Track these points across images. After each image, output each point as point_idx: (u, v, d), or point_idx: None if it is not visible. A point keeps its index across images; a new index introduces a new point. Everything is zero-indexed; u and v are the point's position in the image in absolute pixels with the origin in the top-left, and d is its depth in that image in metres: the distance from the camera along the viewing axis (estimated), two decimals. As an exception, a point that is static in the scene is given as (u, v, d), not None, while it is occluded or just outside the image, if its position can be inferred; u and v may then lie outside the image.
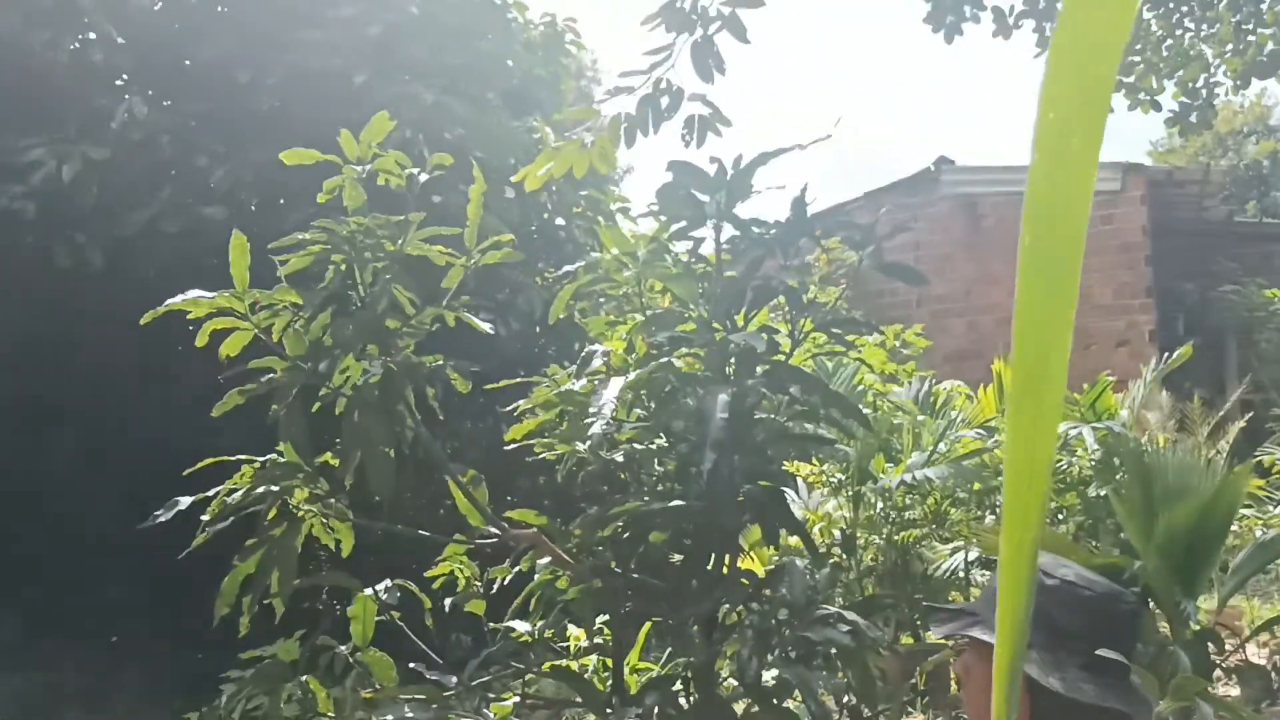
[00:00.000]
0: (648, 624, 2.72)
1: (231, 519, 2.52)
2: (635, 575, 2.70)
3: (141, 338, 7.10)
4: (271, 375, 2.41)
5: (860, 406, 6.09)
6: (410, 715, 2.13)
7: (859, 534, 6.13)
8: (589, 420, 2.34)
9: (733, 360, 2.61)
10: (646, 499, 2.80)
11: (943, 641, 6.18)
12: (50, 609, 8.38)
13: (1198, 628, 3.59)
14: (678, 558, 2.79)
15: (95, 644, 8.42)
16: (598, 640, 3.57)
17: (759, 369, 2.66)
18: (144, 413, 7.61)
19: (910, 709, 5.62)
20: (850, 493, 6.09)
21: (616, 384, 2.35)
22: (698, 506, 2.61)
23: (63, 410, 8.14)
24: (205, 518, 2.46)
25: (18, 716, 7.93)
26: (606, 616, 3.11)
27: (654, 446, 2.77)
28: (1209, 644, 3.62)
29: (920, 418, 6.53)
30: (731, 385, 2.52)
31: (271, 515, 2.56)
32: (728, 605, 2.67)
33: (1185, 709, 1.35)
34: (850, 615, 2.44)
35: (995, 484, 6.36)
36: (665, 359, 2.49)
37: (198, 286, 2.39)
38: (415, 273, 2.65)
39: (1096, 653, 1.46)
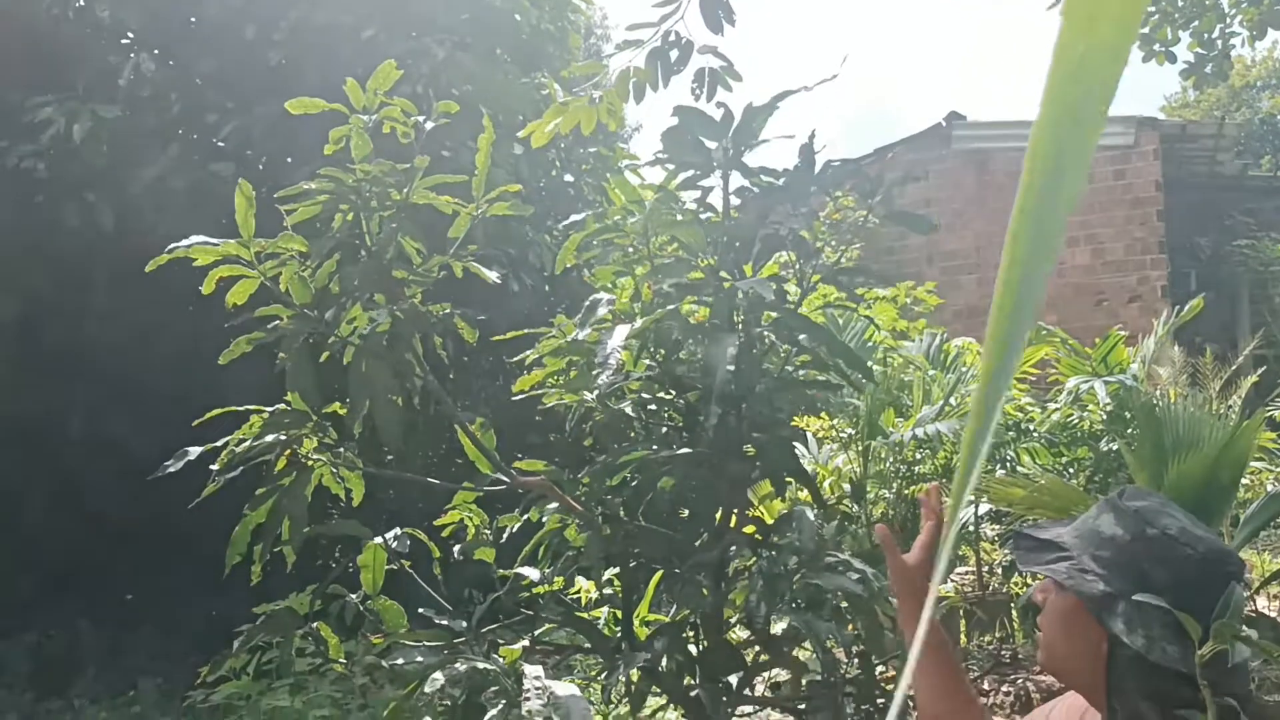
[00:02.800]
0: (657, 576, 2.72)
1: (241, 469, 2.53)
2: (644, 524, 2.71)
3: (152, 294, 7.12)
4: (278, 323, 2.41)
5: (870, 361, 6.11)
6: (421, 659, 2.15)
7: (868, 488, 6.14)
8: (596, 369, 2.34)
9: (740, 309, 2.60)
10: (655, 448, 2.81)
11: (954, 601, 6.21)
12: (65, 567, 8.46)
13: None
14: (686, 513, 2.80)
15: (110, 601, 8.50)
16: (607, 592, 3.60)
17: (767, 318, 2.65)
18: (155, 368, 7.63)
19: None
20: (860, 447, 6.09)
21: (622, 332, 2.34)
22: (705, 455, 2.61)
23: (73, 368, 8.17)
24: (215, 467, 2.47)
25: (35, 671, 8.03)
26: (616, 569, 3.13)
27: (662, 396, 2.77)
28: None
29: (931, 373, 6.52)
30: (739, 334, 2.51)
31: (281, 465, 2.57)
32: (736, 555, 2.68)
33: (1222, 652, 1.33)
34: (859, 563, 2.45)
35: (1007, 438, 6.36)
36: (672, 306, 2.48)
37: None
38: (423, 223, 2.64)
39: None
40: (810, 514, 2.55)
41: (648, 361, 2.91)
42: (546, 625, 2.69)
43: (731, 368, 2.33)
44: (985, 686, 5.24)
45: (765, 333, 2.67)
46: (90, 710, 7.34)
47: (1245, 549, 6.78)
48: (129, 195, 7.11)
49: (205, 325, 4.83)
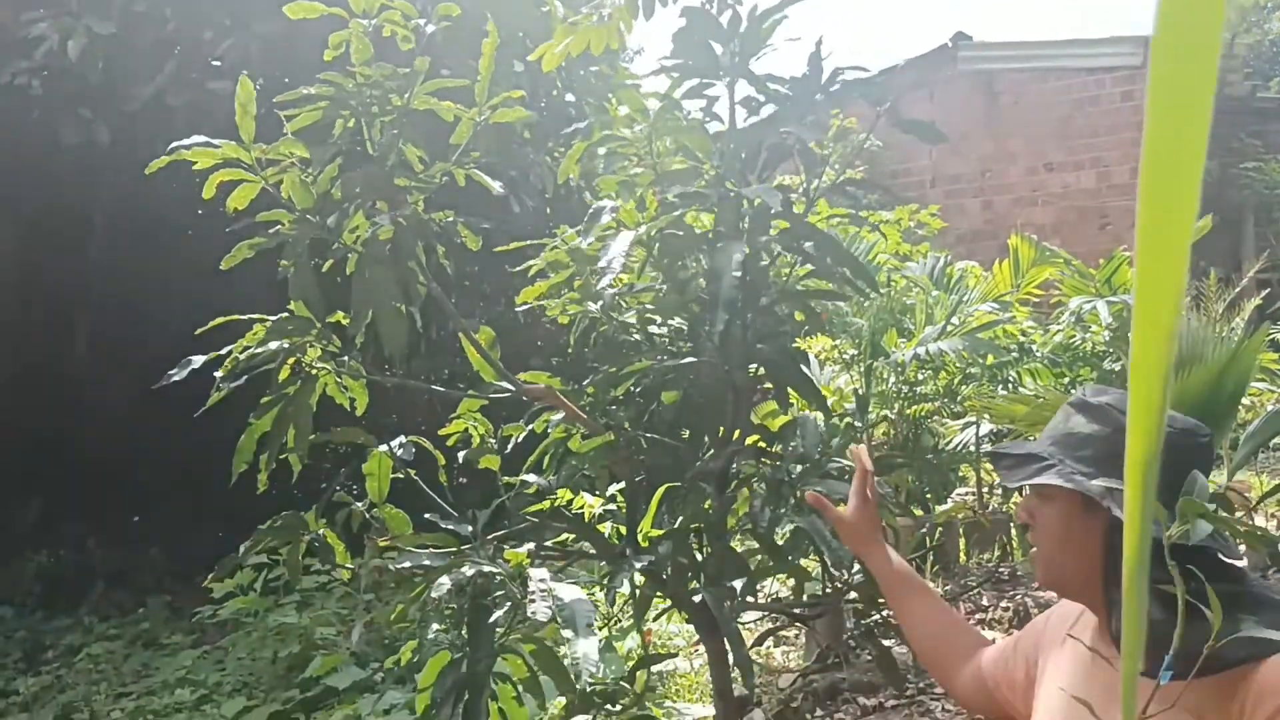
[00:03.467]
0: (660, 491, 2.73)
1: (246, 378, 2.53)
2: (648, 436, 2.72)
3: (151, 209, 7.08)
4: (279, 228, 2.39)
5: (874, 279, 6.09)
6: (427, 563, 2.17)
7: (871, 408, 6.16)
8: (599, 276, 2.32)
9: (746, 218, 2.58)
10: (660, 358, 2.81)
11: (951, 512, 6.26)
12: (71, 490, 8.53)
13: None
14: (687, 434, 2.80)
15: (117, 523, 8.58)
16: (610, 508, 3.62)
17: (773, 228, 2.63)
18: (155, 282, 7.62)
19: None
20: (862, 367, 6.10)
21: (626, 238, 2.33)
22: (710, 365, 2.61)
23: (74, 285, 8.16)
24: (219, 374, 2.47)
25: (45, 591, 8.14)
26: (620, 485, 3.14)
27: (667, 306, 2.76)
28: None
29: (934, 294, 6.51)
30: (745, 243, 2.49)
31: (285, 374, 2.57)
32: (740, 468, 2.69)
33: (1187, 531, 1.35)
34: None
35: (1009, 359, 6.37)
36: (678, 213, 2.46)
37: (205, 160, 2.35)
38: (425, 131, 2.61)
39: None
40: (814, 421, 2.56)
41: (652, 274, 2.90)
42: (552, 534, 2.71)
43: (738, 274, 2.32)
44: (985, 602, 5.31)
45: (771, 243, 2.65)
46: (100, 627, 7.46)
47: (1243, 471, 6.82)
48: (126, 112, 7.03)
49: (206, 239, 4.81)
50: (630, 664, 3.97)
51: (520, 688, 2.47)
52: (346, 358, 2.60)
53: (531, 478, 2.69)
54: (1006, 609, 5.11)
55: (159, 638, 7.11)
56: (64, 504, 8.56)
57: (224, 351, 2.51)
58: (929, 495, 6.69)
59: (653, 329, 2.95)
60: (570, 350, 2.76)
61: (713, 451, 2.67)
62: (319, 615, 5.98)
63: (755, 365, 2.70)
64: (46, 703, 6.27)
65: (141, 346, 7.39)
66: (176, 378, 2.50)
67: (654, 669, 4.50)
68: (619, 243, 2.30)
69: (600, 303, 2.77)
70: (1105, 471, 1.50)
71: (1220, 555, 1.41)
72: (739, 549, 2.78)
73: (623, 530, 2.86)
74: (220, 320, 2.58)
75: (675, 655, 4.21)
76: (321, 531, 2.53)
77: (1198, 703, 1.35)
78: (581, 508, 3.86)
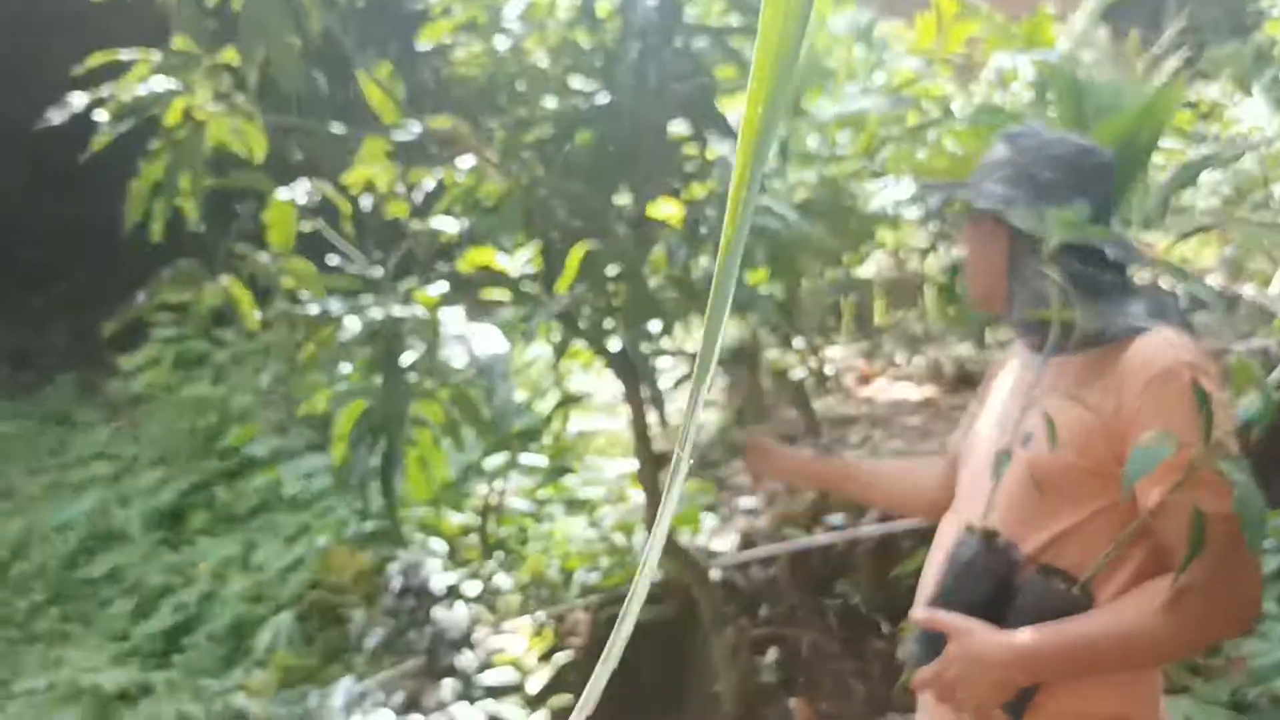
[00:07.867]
0: (578, 254, 2.66)
1: (134, 123, 2.37)
2: (562, 183, 2.63)
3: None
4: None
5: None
6: (335, 306, 2.10)
7: (790, 172, 6.07)
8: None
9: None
10: (573, 102, 2.69)
11: (866, 279, 6.30)
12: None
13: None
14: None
15: (16, 303, 8.29)
16: (528, 270, 3.54)
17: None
18: (18, 42, 7.13)
19: (836, 337, 5.80)
20: (782, 128, 5.98)
21: (536, -39, 2.17)
22: (625, 104, 2.50)
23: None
24: (104, 116, 2.30)
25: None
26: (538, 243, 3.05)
27: (579, 43, 2.63)
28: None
29: (858, 47, 6.35)
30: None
31: (175, 118, 2.41)
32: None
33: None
34: (780, 208, 2.42)
35: (931, 121, 6.28)
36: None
37: None
38: None
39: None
40: (730, 161, 2.48)
41: (564, 15, 2.75)
42: (466, 284, 2.64)
43: (653, 2, 2.20)
44: (898, 360, 5.41)
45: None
46: (9, 407, 7.32)
47: (1153, 237, 6.94)
48: None
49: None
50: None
51: (441, 432, 2.45)
52: (240, 99, 2.45)
53: (442, 222, 2.60)
54: (920, 365, 5.23)
55: (71, 415, 7.01)
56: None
57: (106, 95, 2.34)
58: (845, 261, 6.71)
59: (566, 74, 2.82)
60: (480, 80, 2.61)
61: (630, 192, 2.60)
62: (234, 385, 5.92)
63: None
64: (-41, 478, 6.21)
65: (11, 114, 6.98)
66: (57, 120, 2.34)
67: (577, 430, 4.55)
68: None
69: (512, 41, 2.62)
70: (1015, 188, 1.59)
71: (1108, 252, 1.53)
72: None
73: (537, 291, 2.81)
74: (99, 58, 2.39)
75: (590, 395, 4.24)
76: (225, 282, 2.43)
77: (1076, 382, 1.50)
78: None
